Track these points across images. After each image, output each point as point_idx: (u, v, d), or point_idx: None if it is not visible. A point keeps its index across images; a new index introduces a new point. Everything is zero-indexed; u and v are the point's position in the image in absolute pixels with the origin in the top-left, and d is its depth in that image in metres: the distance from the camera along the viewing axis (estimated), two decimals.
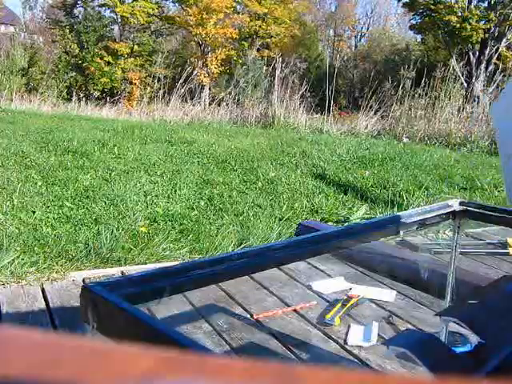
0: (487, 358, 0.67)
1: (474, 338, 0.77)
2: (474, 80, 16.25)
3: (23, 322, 1.83)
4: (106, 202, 3.38)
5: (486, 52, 17.68)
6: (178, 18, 20.76)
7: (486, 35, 17.64)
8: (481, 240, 3.07)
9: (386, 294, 2.21)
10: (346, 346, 1.76)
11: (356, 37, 32.40)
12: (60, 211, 3.14)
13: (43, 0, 25.84)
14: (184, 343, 0.52)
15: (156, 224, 3.07)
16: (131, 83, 18.84)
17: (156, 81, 13.83)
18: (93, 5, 20.28)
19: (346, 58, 26.42)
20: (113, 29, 21.33)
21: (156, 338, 0.55)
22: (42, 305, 1.97)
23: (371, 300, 2.16)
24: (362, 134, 8.39)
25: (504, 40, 17.66)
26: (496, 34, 17.74)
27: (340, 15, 30.50)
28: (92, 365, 0.13)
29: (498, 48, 17.59)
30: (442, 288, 1.40)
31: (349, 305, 2.05)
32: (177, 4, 21.97)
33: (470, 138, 7.66)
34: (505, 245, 2.93)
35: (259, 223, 3.16)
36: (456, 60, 10.64)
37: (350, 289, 2.25)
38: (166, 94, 10.66)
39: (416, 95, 8.88)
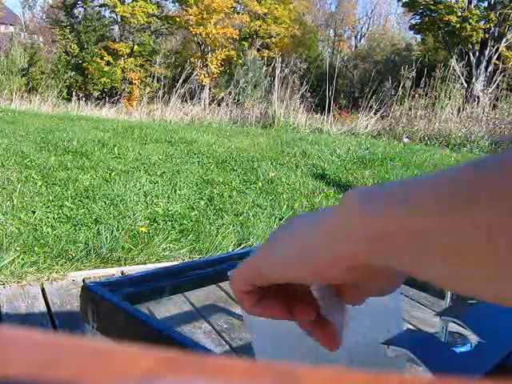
0: (487, 358, 0.67)
1: (473, 338, 0.77)
2: (473, 80, 16.28)
3: (23, 322, 1.83)
4: (105, 202, 3.38)
5: (486, 52, 17.70)
6: (177, 18, 20.77)
7: (486, 35, 17.66)
8: None
9: None
10: None
11: (356, 37, 32.43)
12: (60, 211, 3.14)
13: (43, 0, 25.87)
14: (184, 343, 0.52)
15: (156, 224, 3.07)
16: (131, 83, 18.86)
17: (156, 81, 13.83)
18: (93, 5, 20.31)
19: (346, 58, 26.43)
20: (113, 29, 21.35)
21: (156, 338, 0.55)
22: (42, 305, 1.97)
23: None
24: (361, 134, 8.39)
25: (504, 40, 17.67)
26: (496, 34, 17.76)
27: (340, 15, 30.52)
28: (92, 365, 0.13)
29: (498, 48, 17.61)
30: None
31: None
32: (177, 4, 21.99)
33: (469, 138, 7.67)
34: None
35: (259, 223, 3.16)
36: (456, 60, 10.65)
37: None
38: (165, 94, 10.67)
39: (416, 95, 8.89)
